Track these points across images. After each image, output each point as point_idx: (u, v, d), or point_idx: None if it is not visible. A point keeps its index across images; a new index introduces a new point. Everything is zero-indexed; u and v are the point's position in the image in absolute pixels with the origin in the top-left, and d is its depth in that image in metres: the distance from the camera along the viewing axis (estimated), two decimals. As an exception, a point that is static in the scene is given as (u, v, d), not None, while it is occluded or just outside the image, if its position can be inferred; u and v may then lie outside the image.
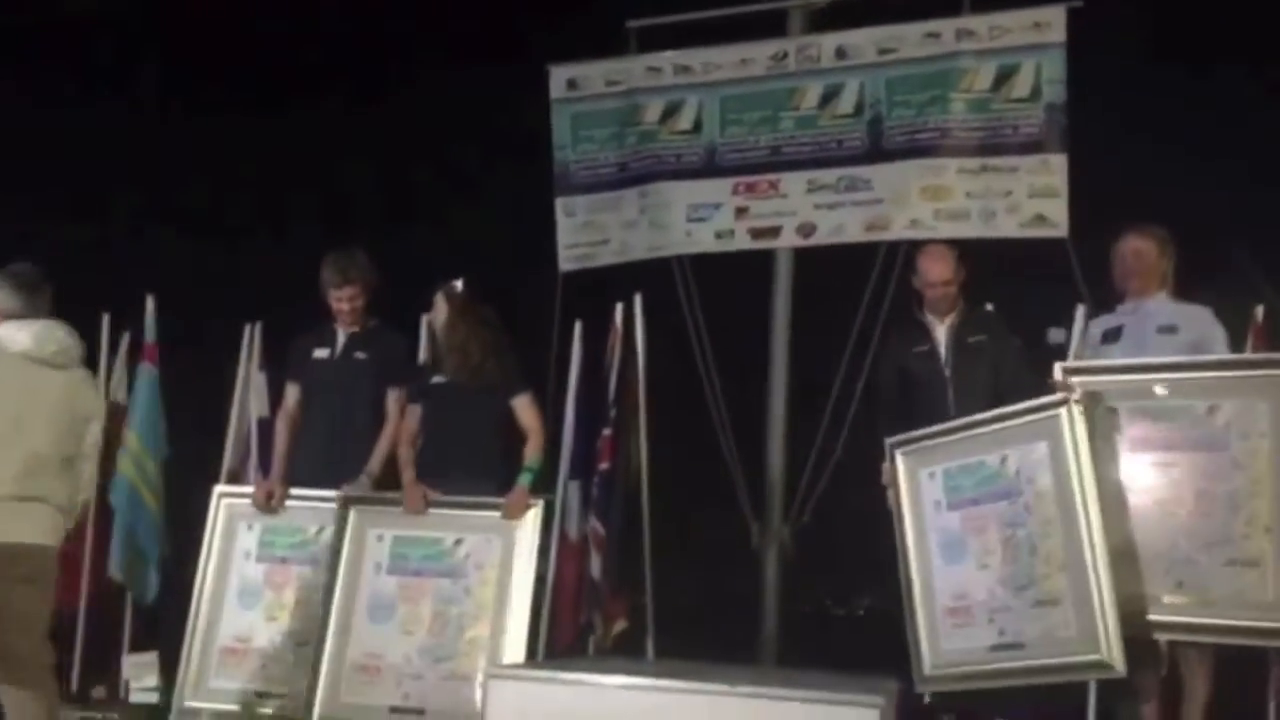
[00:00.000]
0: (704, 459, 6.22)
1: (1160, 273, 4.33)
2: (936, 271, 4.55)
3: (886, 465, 4.31)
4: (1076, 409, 3.82)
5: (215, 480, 5.21)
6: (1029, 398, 4.20)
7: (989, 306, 5.12)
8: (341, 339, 4.86)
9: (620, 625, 5.42)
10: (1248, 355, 4.23)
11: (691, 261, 6.19)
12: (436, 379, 4.67)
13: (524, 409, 4.62)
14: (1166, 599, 3.91)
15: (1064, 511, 3.83)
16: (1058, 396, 3.91)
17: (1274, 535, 3.74)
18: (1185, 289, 4.42)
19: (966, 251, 4.94)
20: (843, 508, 6.45)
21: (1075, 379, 4.11)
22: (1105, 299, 4.73)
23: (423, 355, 5.50)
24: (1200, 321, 4.24)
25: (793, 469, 6.00)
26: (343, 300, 4.78)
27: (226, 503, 4.76)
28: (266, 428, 5.58)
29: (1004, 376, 4.43)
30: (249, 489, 4.90)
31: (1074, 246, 5.47)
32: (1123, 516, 3.94)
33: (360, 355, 4.81)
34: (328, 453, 4.72)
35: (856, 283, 5.92)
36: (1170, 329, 4.21)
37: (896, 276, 5.78)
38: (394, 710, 4.28)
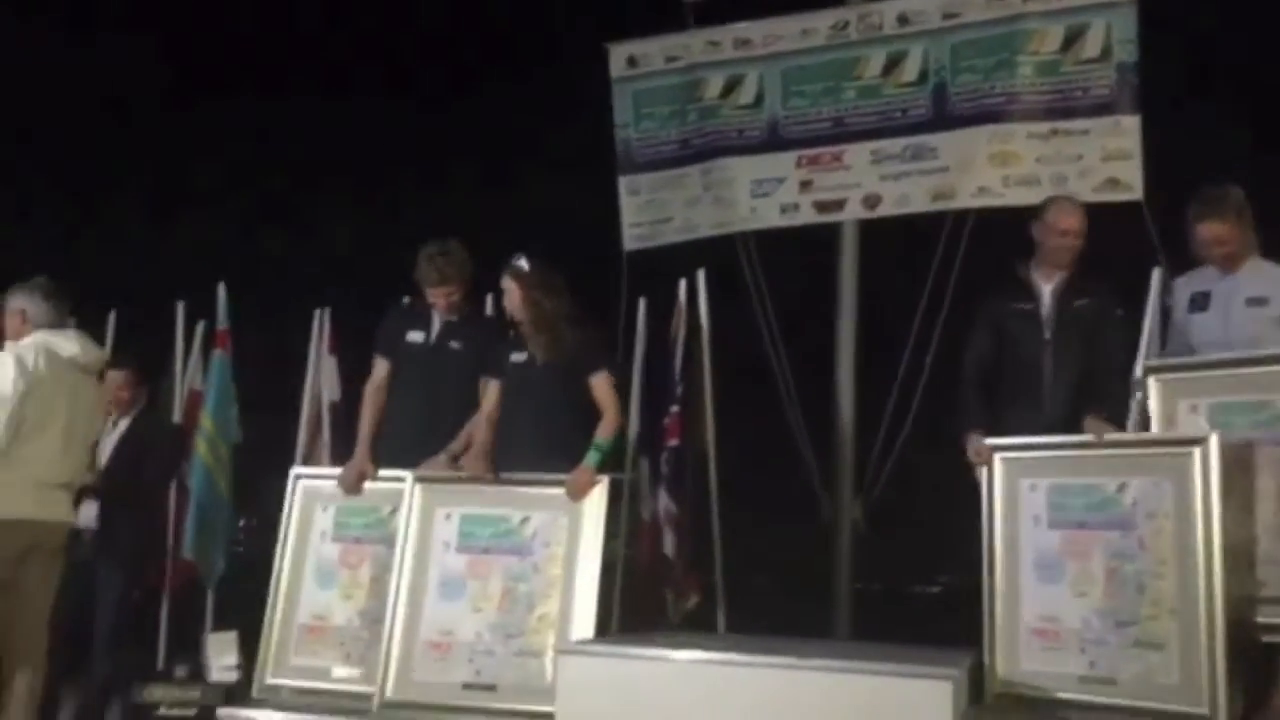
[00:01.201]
0: (772, 434, 6.16)
1: (1243, 242, 4.12)
2: (1068, 220, 4.35)
3: (976, 443, 4.10)
4: (1214, 452, 3.63)
5: (287, 463, 5.25)
6: (1118, 379, 4.09)
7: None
8: (437, 325, 4.77)
9: (693, 601, 5.39)
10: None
11: (755, 236, 6.14)
12: (516, 357, 4.55)
13: (602, 386, 4.50)
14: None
15: (1183, 555, 3.65)
16: (1192, 435, 3.73)
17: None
18: (1270, 246, 4.22)
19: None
20: (916, 482, 6.38)
21: (1155, 377, 3.95)
22: (1183, 261, 4.55)
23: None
24: None
25: (863, 443, 5.93)
26: (439, 297, 4.72)
27: (303, 484, 4.73)
28: (337, 411, 5.61)
29: (1099, 351, 4.25)
30: (325, 470, 4.91)
31: (1149, 209, 5.31)
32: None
33: (455, 345, 4.72)
34: (414, 439, 4.63)
35: (923, 254, 5.83)
36: (1260, 301, 4.04)
37: (964, 246, 5.70)
38: (466, 686, 4.22)
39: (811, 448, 5.94)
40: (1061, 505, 3.90)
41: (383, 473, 4.63)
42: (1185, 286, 4.31)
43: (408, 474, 4.51)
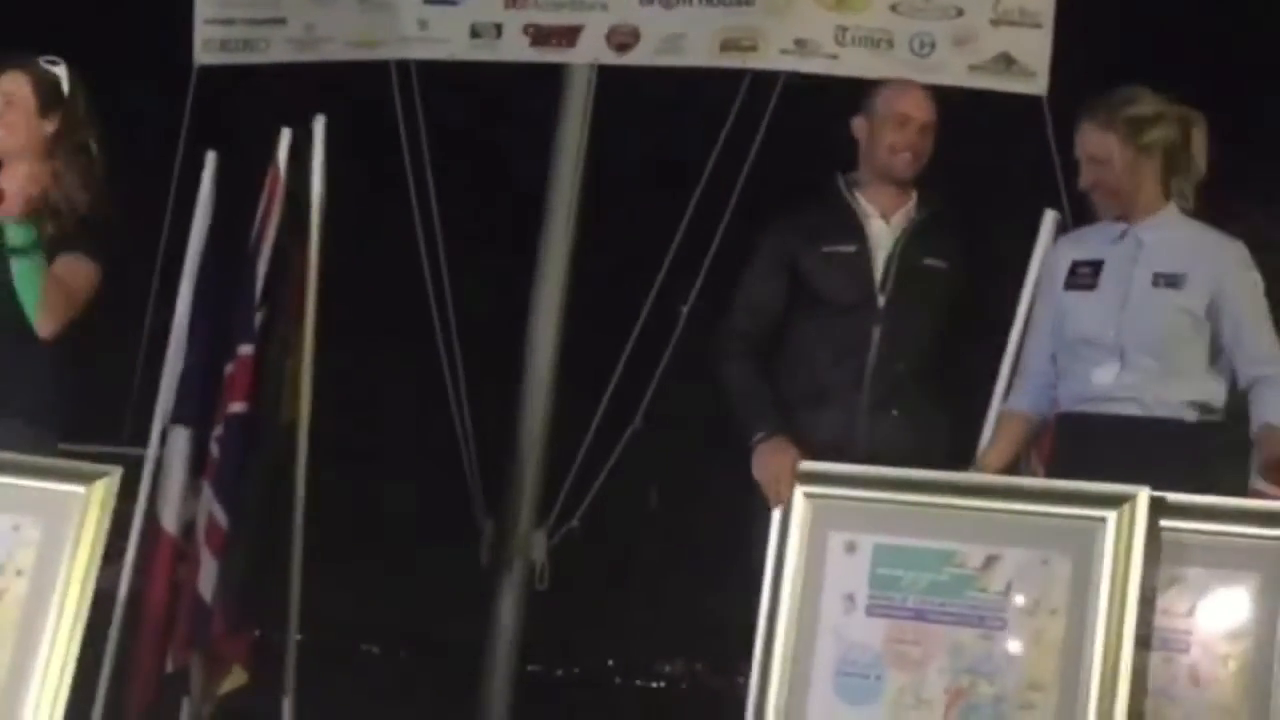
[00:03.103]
0: (413, 407, 6.27)
1: (1146, 180, 4.26)
2: (909, 102, 4.53)
3: (771, 450, 4.22)
4: (1140, 519, 3.72)
5: None
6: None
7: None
8: None
9: (236, 679, 5.30)
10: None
11: (423, 72, 6.20)
12: None
13: (75, 270, 4.57)
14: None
15: (1068, 674, 3.72)
16: (1114, 490, 3.78)
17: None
18: (1218, 205, 4.41)
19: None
20: (640, 508, 6.51)
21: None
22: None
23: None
24: (1222, 265, 4.21)
25: (561, 438, 6.07)
26: None
27: None
28: None
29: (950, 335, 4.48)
30: None
31: (1053, 112, 5.52)
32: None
33: None
34: None
35: (699, 137, 6.00)
36: (1172, 280, 4.19)
37: (764, 129, 5.89)
38: None
39: (474, 438, 6.04)
40: (891, 580, 3.94)
41: None
42: (1067, 249, 4.42)
43: None
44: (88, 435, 4.73)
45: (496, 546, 5.99)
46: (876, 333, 4.41)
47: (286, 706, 5.44)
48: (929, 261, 4.47)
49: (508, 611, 6.03)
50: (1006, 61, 5.72)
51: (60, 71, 4.67)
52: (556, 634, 6.78)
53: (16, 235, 4.46)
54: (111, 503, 4.23)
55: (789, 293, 4.49)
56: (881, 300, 4.42)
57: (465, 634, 6.22)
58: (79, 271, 4.57)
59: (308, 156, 5.58)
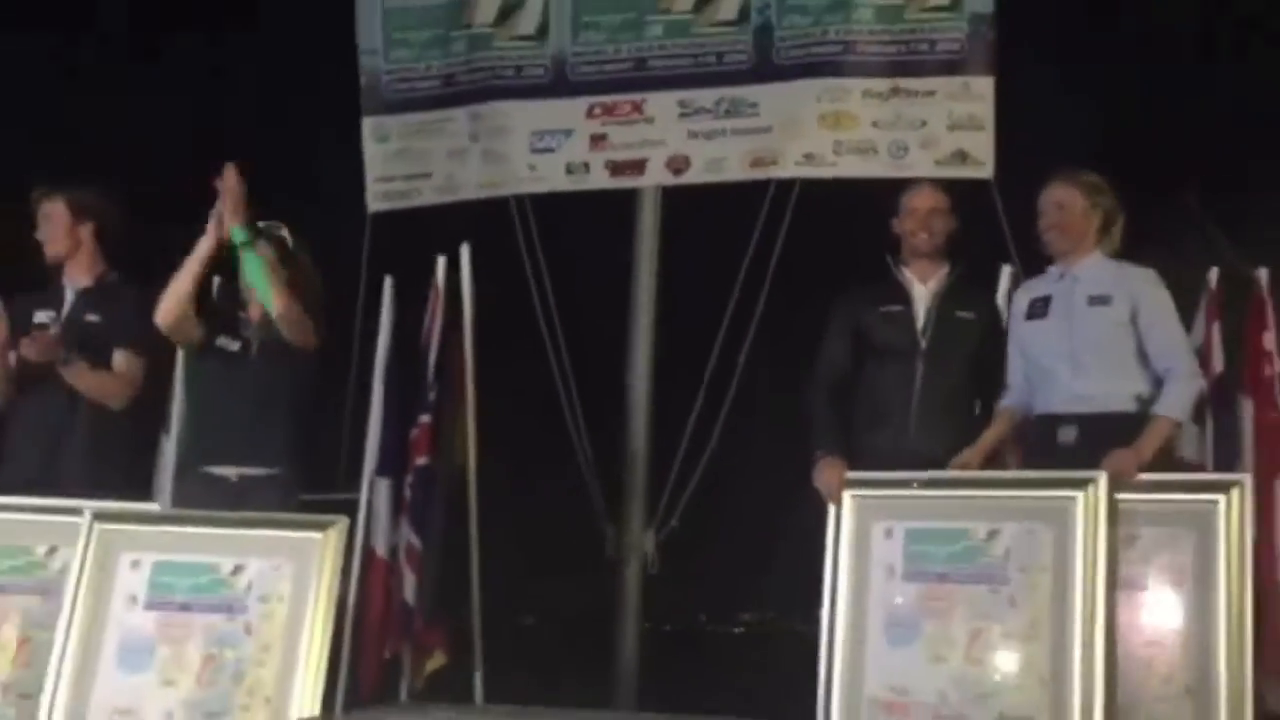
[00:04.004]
0: (548, 450, 6.24)
1: (1090, 229, 4.38)
2: (923, 198, 4.60)
3: (826, 466, 4.32)
4: (1102, 495, 3.80)
5: None
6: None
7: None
8: (70, 297, 4.74)
9: (437, 660, 5.41)
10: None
11: (534, 203, 6.17)
12: (225, 342, 4.67)
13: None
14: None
15: (1057, 615, 3.79)
16: (1079, 475, 3.87)
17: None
18: (1134, 251, 4.49)
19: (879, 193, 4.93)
20: (721, 506, 6.53)
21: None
22: (1038, 258, 4.81)
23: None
24: (1137, 285, 4.32)
25: (659, 463, 6.05)
26: (41, 234, 4.72)
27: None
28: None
29: (983, 378, 4.51)
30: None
31: (1001, 192, 5.58)
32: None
33: (93, 318, 4.70)
34: (49, 447, 4.63)
35: (739, 231, 5.99)
36: (1102, 299, 4.30)
37: (788, 224, 5.90)
38: (152, 779, 4.10)
39: (596, 467, 6.03)
40: (921, 554, 4.01)
41: (36, 501, 4.41)
42: (1025, 293, 4.55)
43: (85, 507, 4.27)
44: (314, 486, 4.81)
45: (618, 544, 5.99)
46: (920, 369, 4.46)
47: (478, 679, 5.48)
48: (960, 313, 4.53)
49: (630, 590, 6.02)
50: (962, 156, 5.74)
51: (284, 233, 4.70)
52: (665, 597, 6.77)
53: (238, 233, 4.47)
54: (343, 543, 4.26)
55: (856, 345, 4.56)
56: (923, 344, 4.48)
57: (600, 607, 6.15)
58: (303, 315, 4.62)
59: (459, 274, 5.69)
